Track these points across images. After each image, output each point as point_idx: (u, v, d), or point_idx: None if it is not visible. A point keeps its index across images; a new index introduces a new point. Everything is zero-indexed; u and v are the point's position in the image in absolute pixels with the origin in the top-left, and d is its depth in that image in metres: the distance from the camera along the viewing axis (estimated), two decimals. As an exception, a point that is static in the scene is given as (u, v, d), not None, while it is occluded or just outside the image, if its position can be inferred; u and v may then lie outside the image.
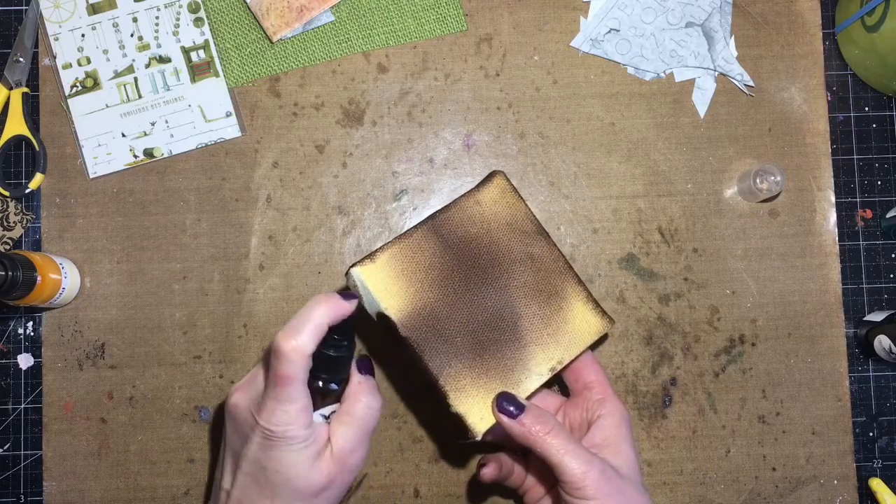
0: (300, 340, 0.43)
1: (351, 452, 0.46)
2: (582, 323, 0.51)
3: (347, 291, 0.47)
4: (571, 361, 0.51)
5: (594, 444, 0.49)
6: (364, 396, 0.47)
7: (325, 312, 0.44)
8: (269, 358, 0.44)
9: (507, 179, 0.53)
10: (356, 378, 0.48)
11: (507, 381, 0.49)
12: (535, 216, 0.53)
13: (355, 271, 0.49)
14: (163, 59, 0.61)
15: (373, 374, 0.49)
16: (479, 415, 0.48)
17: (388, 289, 0.49)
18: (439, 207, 0.52)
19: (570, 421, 0.53)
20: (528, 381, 0.50)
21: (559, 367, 0.50)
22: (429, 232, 0.50)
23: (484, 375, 0.49)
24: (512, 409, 0.47)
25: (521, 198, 0.53)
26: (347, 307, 0.45)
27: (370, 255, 0.49)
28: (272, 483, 0.44)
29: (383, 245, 0.50)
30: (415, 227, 0.51)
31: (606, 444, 0.49)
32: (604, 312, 0.52)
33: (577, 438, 0.48)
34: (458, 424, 0.49)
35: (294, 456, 0.44)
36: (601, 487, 0.45)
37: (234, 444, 0.46)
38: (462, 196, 0.52)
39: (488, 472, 0.52)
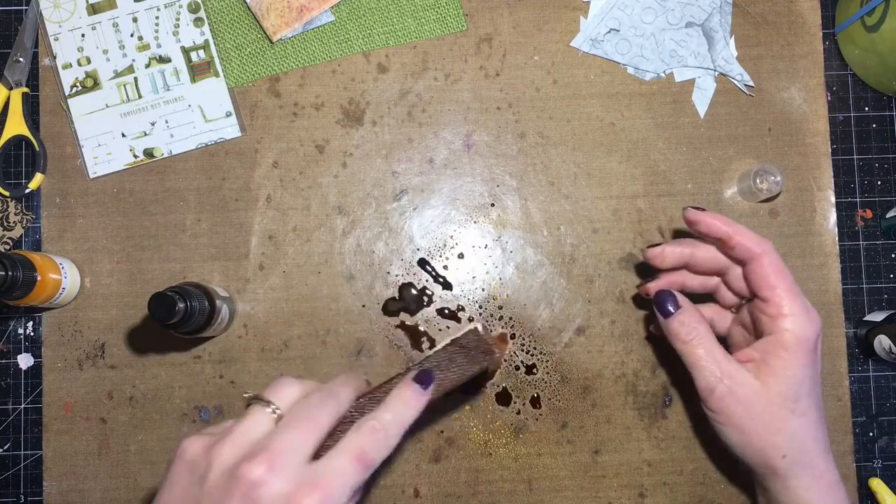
0: (394, 435, 0.41)
1: None
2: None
3: (426, 379, 0.44)
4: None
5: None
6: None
7: (415, 414, 0.43)
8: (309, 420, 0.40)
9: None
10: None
11: None
12: (389, 380, 0.46)
13: None
14: (163, 59, 0.61)
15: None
16: None
17: None
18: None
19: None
20: None
21: None
22: None
23: None
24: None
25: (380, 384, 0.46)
26: (425, 404, 0.43)
27: None
28: None
29: None
30: None
31: None
32: None
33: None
34: None
35: None
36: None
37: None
38: None
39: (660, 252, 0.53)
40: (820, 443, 0.48)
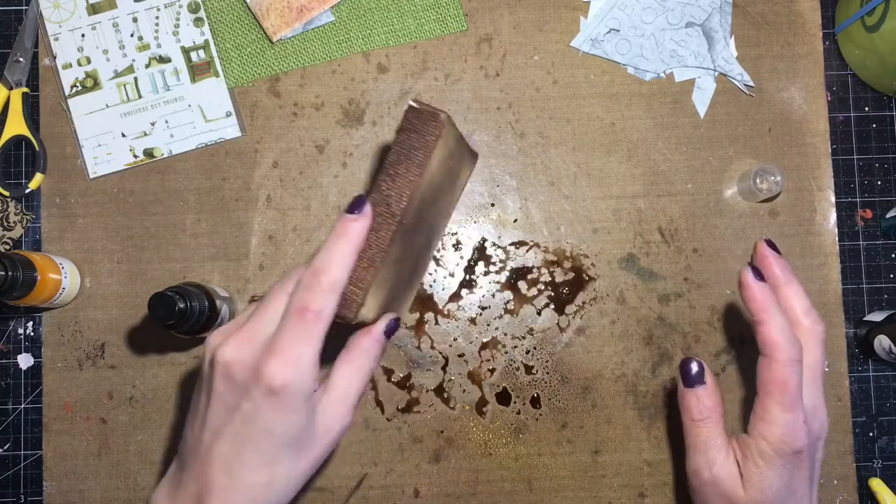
0: (335, 274, 0.40)
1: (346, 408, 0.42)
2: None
3: (355, 204, 0.42)
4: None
5: None
6: (364, 356, 0.44)
7: (351, 244, 0.41)
8: (273, 300, 0.41)
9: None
10: (376, 333, 0.44)
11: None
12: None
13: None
14: (163, 59, 0.61)
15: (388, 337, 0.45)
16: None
17: None
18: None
19: None
20: None
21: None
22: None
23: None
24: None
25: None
26: (363, 230, 0.41)
27: None
28: (269, 445, 0.39)
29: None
30: None
31: None
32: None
33: None
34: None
35: (299, 414, 0.39)
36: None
37: (227, 399, 0.40)
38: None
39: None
40: None
